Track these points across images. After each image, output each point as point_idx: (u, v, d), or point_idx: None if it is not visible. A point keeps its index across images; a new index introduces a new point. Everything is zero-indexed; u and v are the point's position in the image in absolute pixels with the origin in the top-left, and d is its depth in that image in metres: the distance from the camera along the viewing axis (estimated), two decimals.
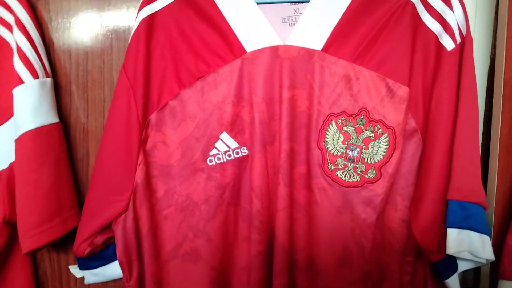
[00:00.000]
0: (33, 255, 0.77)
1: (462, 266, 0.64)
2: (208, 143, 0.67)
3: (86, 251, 0.67)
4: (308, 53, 0.64)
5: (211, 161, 0.68)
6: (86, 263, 0.71)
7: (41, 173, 0.66)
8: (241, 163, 0.68)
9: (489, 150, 0.69)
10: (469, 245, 0.60)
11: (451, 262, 0.64)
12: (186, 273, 0.70)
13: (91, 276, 0.72)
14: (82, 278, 0.78)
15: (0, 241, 0.69)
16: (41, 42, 0.70)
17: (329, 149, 0.66)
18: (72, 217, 0.71)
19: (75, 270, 0.76)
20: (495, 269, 0.65)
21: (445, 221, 0.61)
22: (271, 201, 0.67)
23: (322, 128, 0.66)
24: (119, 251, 0.67)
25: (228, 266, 0.70)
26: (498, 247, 0.64)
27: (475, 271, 0.74)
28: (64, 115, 0.73)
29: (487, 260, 0.61)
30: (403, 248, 0.66)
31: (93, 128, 0.75)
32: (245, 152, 0.67)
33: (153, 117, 0.67)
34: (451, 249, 0.59)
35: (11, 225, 0.70)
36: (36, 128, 0.66)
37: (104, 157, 0.67)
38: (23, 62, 0.66)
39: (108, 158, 0.67)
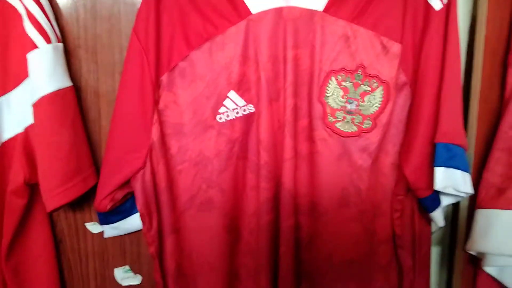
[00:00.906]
0: (49, 215, 0.80)
1: (445, 201, 0.73)
2: (217, 101, 0.72)
3: (108, 207, 0.72)
4: (310, 14, 0.69)
5: (220, 118, 0.73)
6: (106, 218, 0.76)
7: (61, 135, 0.69)
8: (248, 120, 0.73)
9: (469, 99, 0.78)
10: (453, 181, 0.68)
11: (435, 198, 0.73)
12: (201, 221, 0.76)
13: (111, 230, 0.78)
14: (98, 234, 0.83)
15: (22, 201, 0.72)
16: (50, 7, 0.70)
17: (329, 103, 0.72)
18: (91, 175, 0.74)
19: (91, 227, 0.81)
20: (472, 203, 0.75)
21: (432, 161, 0.69)
22: (277, 153, 0.74)
23: (323, 84, 0.72)
24: (139, 204, 0.72)
25: (238, 213, 0.77)
26: (476, 183, 0.73)
27: (454, 205, 0.84)
28: (74, 79, 0.75)
29: (466, 194, 0.70)
30: (394, 188, 0.75)
31: (104, 91, 0.78)
32: (251, 109, 0.73)
33: (164, 78, 0.70)
34: (438, 185, 0.68)
35: (30, 186, 0.73)
36: (53, 92, 0.68)
37: (121, 117, 0.71)
38: (35, 27, 0.67)
39: (125, 118, 0.71)
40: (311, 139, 0.74)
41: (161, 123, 0.72)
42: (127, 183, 0.72)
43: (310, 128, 0.74)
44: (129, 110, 0.70)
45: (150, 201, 0.73)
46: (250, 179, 0.76)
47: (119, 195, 0.72)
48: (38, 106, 0.68)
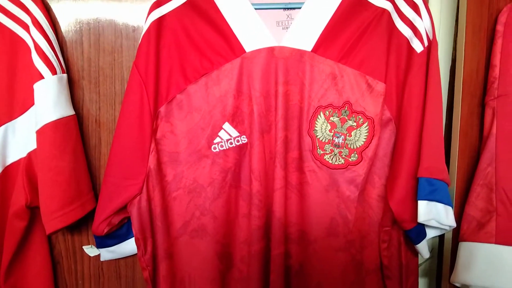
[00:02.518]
0: (48, 237, 0.83)
1: (430, 234, 0.75)
2: (212, 132, 0.76)
3: (105, 230, 0.75)
4: (300, 53, 0.74)
5: (215, 148, 0.77)
6: (103, 242, 0.79)
7: (62, 160, 0.73)
8: (241, 150, 0.77)
9: (451, 135, 0.81)
10: (435, 214, 0.71)
11: (421, 230, 0.75)
12: (194, 247, 0.79)
13: (107, 253, 0.80)
14: (94, 257, 0.86)
15: (22, 224, 0.76)
16: (56, 40, 0.76)
17: (318, 137, 0.76)
18: (89, 200, 0.78)
19: (88, 250, 0.84)
20: (456, 236, 0.78)
21: (416, 195, 0.72)
22: (268, 182, 0.77)
23: (312, 118, 0.76)
24: (135, 229, 0.75)
25: (230, 240, 0.79)
26: (459, 217, 0.76)
27: (440, 238, 0.87)
28: (77, 107, 0.80)
29: (450, 227, 0.72)
30: (381, 219, 0.77)
31: (104, 119, 0.82)
32: (244, 140, 0.77)
33: (162, 109, 0.75)
34: (421, 218, 0.70)
35: (31, 209, 0.76)
36: (56, 120, 0.73)
37: (120, 145, 0.75)
38: (41, 59, 0.72)
39: (124, 146, 0.75)
40: (301, 170, 0.78)
41: (158, 152, 0.76)
42: (123, 208, 0.75)
43: (300, 159, 0.77)
44: (128, 138, 0.74)
45: (146, 227, 0.76)
46: (242, 207, 0.78)
47: (116, 219, 0.76)
48: (42, 132, 0.72)
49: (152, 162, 0.75)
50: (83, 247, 0.85)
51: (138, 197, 0.75)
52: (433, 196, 0.71)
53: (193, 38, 0.74)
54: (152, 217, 0.76)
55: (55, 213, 0.72)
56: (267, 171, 0.77)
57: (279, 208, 0.76)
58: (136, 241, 0.76)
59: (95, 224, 0.75)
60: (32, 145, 0.75)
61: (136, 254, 0.79)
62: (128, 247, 0.80)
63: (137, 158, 0.74)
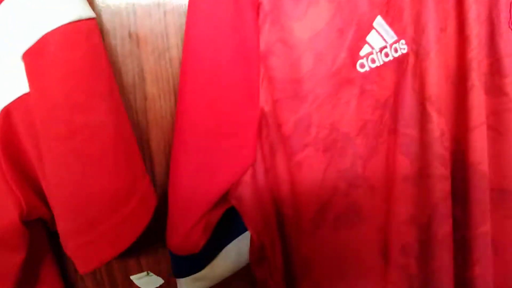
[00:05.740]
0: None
1: None
2: (357, 36, 0.41)
3: (202, 242, 0.38)
4: None
5: (363, 65, 0.42)
6: (188, 263, 0.41)
7: (96, 112, 0.33)
8: (399, 66, 0.44)
9: None
10: None
11: None
12: (342, 244, 0.45)
13: (193, 283, 0.43)
14: None
15: (17, 258, 0.36)
16: None
17: None
18: (147, 188, 0.39)
19: (142, 280, 0.46)
20: None
21: None
22: (456, 117, 0.45)
23: None
24: (253, 229, 0.40)
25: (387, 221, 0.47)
26: None
27: None
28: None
29: None
30: None
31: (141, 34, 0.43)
32: (404, 49, 0.43)
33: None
34: None
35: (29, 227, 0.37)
36: (68, 24, 0.33)
37: (203, 73, 0.38)
38: None
39: (210, 73, 0.38)
40: (499, 90, 0.46)
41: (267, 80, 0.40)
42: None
43: (497, 72, 0.46)
44: (220, 60, 0.38)
45: (271, 222, 0.40)
46: (401, 165, 0.46)
47: (214, 217, 0.39)
48: (39, 52, 0.32)
49: (264, 99, 0.39)
50: (132, 277, 0.46)
51: (250, 171, 0.39)
52: None
53: None
54: (276, 202, 0.41)
55: (94, 229, 0.34)
56: (450, 98, 0.45)
57: (480, 160, 0.45)
58: (258, 252, 0.40)
59: (179, 235, 0.38)
60: (14, 88, 0.34)
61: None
62: (226, 262, 0.43)
63: (238, 94, 0.38)
